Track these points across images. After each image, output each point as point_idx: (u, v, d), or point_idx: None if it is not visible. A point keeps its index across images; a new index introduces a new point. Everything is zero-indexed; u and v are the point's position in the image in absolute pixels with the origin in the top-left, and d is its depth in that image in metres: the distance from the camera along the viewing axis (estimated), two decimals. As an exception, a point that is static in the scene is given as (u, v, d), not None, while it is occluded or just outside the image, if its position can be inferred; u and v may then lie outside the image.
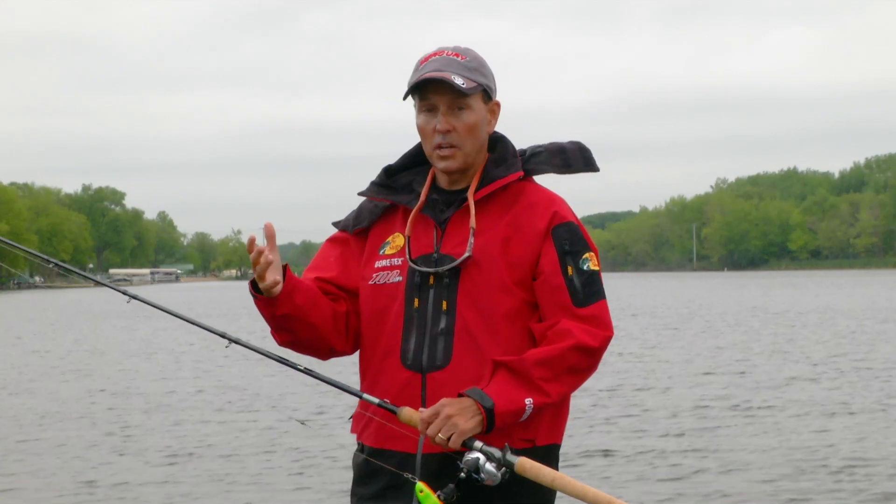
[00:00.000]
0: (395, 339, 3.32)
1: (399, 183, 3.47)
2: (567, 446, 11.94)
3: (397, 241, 3.41)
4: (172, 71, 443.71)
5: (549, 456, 3.25)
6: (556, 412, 3.28)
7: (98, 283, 3.99)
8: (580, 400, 15.65)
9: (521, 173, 3.35)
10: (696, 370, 20.47)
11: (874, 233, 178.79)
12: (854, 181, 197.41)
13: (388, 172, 3.49)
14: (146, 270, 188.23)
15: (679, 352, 24.67)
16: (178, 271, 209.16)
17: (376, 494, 3.32)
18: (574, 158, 3.39)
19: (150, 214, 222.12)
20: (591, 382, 17.74)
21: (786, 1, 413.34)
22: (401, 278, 3.35)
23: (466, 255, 3.26)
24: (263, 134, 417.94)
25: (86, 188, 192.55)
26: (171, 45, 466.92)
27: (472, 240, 3.27)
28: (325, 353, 3.47)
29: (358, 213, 3.53)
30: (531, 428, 3.20)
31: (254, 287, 3.31)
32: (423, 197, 3.40)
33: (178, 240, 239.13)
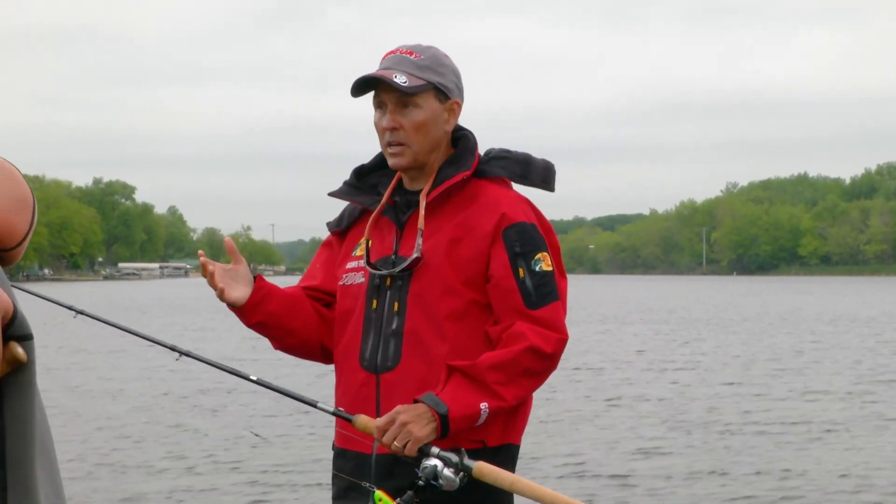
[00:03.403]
0: (356, 340, 3.37)
1: (367, 184, 3.52)
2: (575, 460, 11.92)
3: (369, 242, 3.45)
4: (193, 65, 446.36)
5: (502, 456, 3.25)
6: (510, 413, 3.27)
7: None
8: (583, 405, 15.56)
9: (468, 173, 3.33)
10: (721, 380, 20.33)
11: (884, 239, 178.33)
12: (865, 187, 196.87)
13: (359, 173, 3.53)
14: (155, 265, 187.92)
15: (703, 359, 24.54)
16: (188, 266, 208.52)
17: (340, 494, 3.38)
18: (534, 173, 3.38)
19: (161, 209, 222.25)
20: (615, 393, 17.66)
21: (812, 4, 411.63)
22: (363, 280, 3.39)
23: (413, 256, 3.29)
24: (280, 130, 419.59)
25: (97, 181, 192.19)
26: (193, 39, 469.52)
27: (419, 242, 3.29)
28: (319, 356, 3.58)
29: (340, 215, 3.61)
30: (481, 429, 3.19)
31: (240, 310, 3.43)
32: (384, 199, 3.44)
33: (187, 234, 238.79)
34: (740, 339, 29.78)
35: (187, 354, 3.42)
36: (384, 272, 3.34)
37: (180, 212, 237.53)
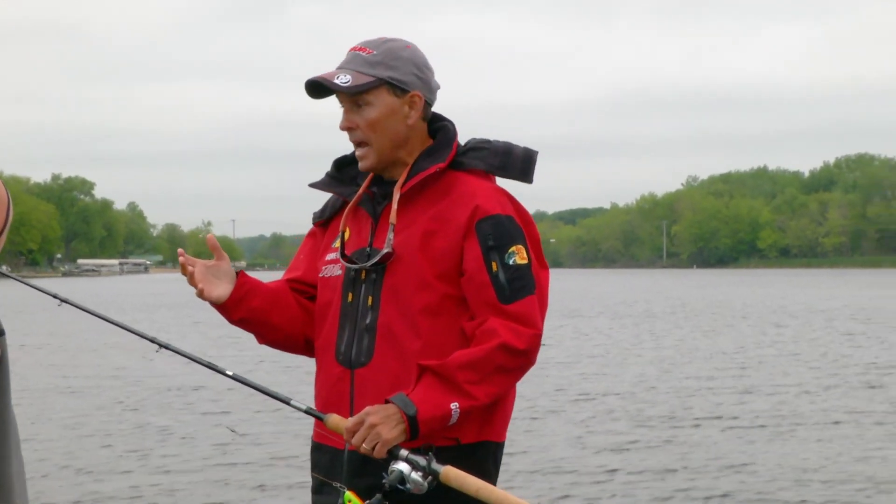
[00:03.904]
0: (332, 334, 3.33)
1: (347, 175, 3.47)
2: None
3: (345, 234, 3.41)
4: (153, 62, 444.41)
5: (478, 454, 3.21)
6: (491, 409, 3.21)
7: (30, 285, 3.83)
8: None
9: (442, 165, 3.27)
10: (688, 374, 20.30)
11: (842, 232, 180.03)
12: (823, 180, 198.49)
13: (340, 164, 3.49)
14: (115, 261, 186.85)
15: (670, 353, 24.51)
16: (148, 262, 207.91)
17: (316, 489, 3.37)
18: (513, 164, 3.30)
19: (120, 205, 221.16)
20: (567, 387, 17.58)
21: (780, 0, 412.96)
22: (340, 272, 3.35)
23: (385, 251, 3.23)
24: (242, 126, 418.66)
25: (55, 178, 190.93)
26: (155, 35, 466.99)
27: (390, 235, 3.24)
28: (303, 350, 3.53)
29: (324, 206, 3.56)
30: (455, 426, 3.13)
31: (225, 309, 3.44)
32: (360, 190, 3.39)
33: (147, 231, 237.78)
34: (703, 333, 29.82)
35: (166, 347, 3.41)
36: (357, 265, 3.29)
37: (140, 208, 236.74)
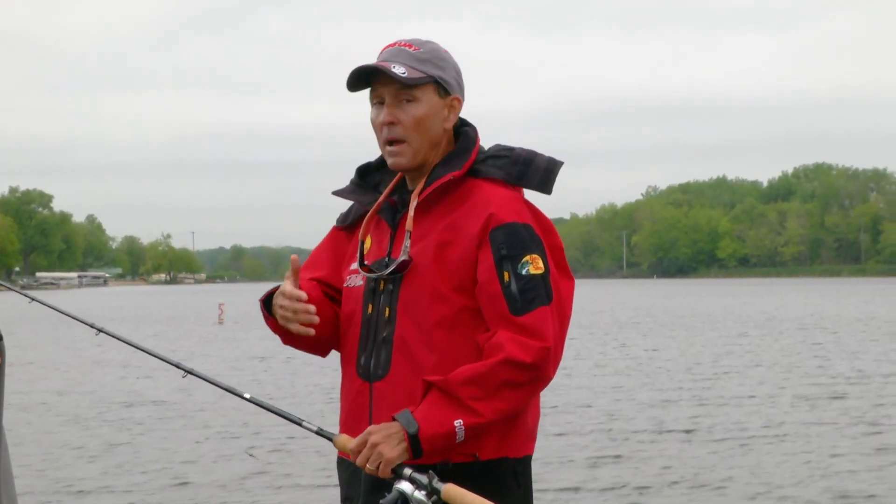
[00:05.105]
0: (354, 346, 3.27)
1: (370, 183, 3.38)
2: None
3: (366, 244, 3.32)
4: (118, 73, 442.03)
5: (498, 471, 3.11)
6: (509, 424, 3.10)
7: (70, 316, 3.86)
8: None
9: (457, 173, 3.17)
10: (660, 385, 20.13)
11: (801, 241, 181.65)
12: (782, 190, 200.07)
13: (364, 171, 3.40)
14: (74, 274, 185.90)
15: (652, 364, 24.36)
16: (107, 275, 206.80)
17: (341, 503, 3.34)
18: (532, 174, 3.19)
19: (79, 217, 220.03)
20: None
21: (739, 10, 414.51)
22: (362, 283, 3.27)
23: (401, 258, 3.15)
24: (201, 137, 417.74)
25: (13, 190, 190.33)
26: (114, 45, 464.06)
27: (406, 244, 3.17)
28: (326, 353, 3.47)
29: (348, 210, 3.46)
30: (472, 441, 3.04)
31: (265, 307, 3.32)
32: (381, 199, 3.30)
33: (106, 243, 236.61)
34: (672, 343, 29.72)
35: (191, 373, 3.43)
36: (374, 275, 3.20)
37: (99, 220, 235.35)
